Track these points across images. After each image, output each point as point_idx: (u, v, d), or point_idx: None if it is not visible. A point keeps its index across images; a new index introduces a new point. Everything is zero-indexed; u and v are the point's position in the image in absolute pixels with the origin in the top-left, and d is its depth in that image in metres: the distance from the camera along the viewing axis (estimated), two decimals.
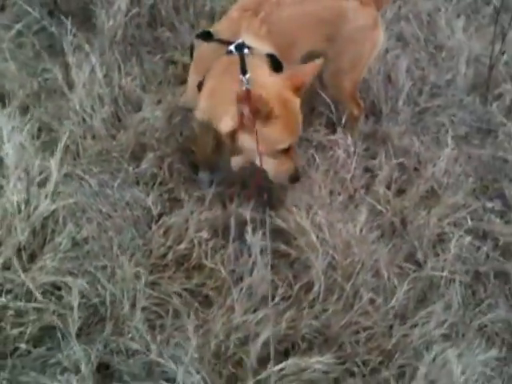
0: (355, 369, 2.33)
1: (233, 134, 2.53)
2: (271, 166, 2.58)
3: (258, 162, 2.55)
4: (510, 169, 3.16)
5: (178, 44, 3.60)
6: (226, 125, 2.52)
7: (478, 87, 3.61)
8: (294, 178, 2.64)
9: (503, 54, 3.62)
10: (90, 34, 3.46)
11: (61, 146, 2.67)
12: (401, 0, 4.08)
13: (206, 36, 2.69)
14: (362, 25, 2.92)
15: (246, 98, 2.38)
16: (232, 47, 2.58)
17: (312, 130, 3.08)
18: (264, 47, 2.66)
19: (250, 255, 2.58)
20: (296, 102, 2.51)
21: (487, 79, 3.52)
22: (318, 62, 2.59)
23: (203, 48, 2.71)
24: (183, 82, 3.37)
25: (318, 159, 2.88)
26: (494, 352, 2.34)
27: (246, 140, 2.51)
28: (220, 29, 2.74)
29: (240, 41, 2.59)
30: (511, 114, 3.41)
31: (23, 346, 2.22)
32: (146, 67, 3.43)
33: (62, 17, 3.29)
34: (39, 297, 2.30)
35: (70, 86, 3.11)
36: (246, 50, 2.57)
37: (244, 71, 2.47)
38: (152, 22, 3.75)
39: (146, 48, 3.61)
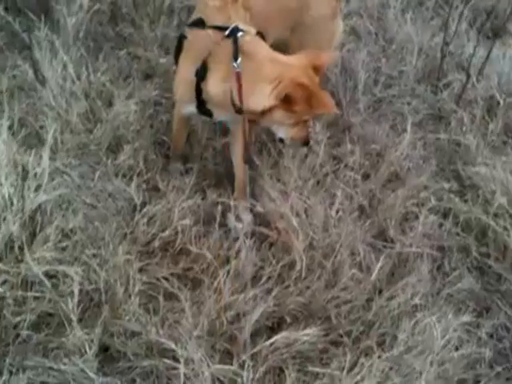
0: (339, 339, 2.47)
1: (266, 111, 2.60)
2: (292, 135, 2.71)
3: (281, 133, 2.72)
4: (464, 152, 3.33)
5: (141, 39, 3.66)
6: (261, 103, 2.57)
7: (428, 77, 3.79)
8: (306, 142, 2.79)
9: (447, 45, 3.75)
10: (52, 30, 3.43)
11: (48, 139, 2.68)
12: None
13: (201, 24, 2.69)
14: (322, 14, 3.02)
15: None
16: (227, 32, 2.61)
17: None
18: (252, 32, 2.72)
19: (234, 239, 2.73)
20: (317, 78, 2.62)
21: (438, 69, 3.70)
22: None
23: (196, 36, 2.70)
24: (148, 76, 3.50)
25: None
26: (465, 318, 2.52)
27: (281, 115, 2.60)
28: (206, 17, 2.71)
29: (234, 25, 2.62)
30: (461, 101, 3.58)
31: (24, 332, 2.28)
32: (111, 62, 3.46)
33: (27, 13, 3.33)
34: (36, 286, 2.35)
35: (41, 82, 3.14)
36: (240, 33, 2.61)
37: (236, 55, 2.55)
38: (113, 18, 3.80)
39: (109, 44, 3.65)
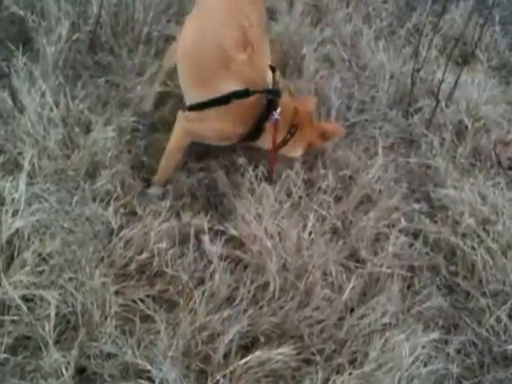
0: (312, 357, 2.53)
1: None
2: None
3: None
4: (434, 174, 3.42)
5: (119, 68, 3.71)
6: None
7: (399, 102, 3.89)
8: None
9: (418, 71, 3.82)
10: (31, 59, 3.46)
11: (25, 165, 2.74)
12: (325, 25, 4.33)
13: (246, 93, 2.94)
14: None
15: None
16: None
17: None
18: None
19: (209, 261, 2.79)
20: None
21: (407, 95, 3.81)
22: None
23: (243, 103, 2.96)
24: (126, 103, 3.55)
25: (265, 172, 3.10)
26: (434, 335, 2.60)
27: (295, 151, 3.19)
28: (236, 71, 2.94)
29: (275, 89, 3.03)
30: (431, 125, 3.69)
31: (1, 355, 2.29)
32: (90, 90, 3.50)
33: (6, 43, 3.37)
34: (13, 309, 2.37)
35: (20, 109, 3.17)
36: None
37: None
38: (92, 47, 3.82)
39: (88, 72, 3.68)
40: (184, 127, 3.11)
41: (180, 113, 3.12)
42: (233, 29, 2.95)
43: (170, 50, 3.50)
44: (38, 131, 3.08)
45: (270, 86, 3.01)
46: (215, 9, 3.06)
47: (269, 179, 3.14)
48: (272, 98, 2.98)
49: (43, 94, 3.18)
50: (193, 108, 3.05)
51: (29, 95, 3.17)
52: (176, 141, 3.13)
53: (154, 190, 3.18)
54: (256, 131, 3.04)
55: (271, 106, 2.98)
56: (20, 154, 2.98)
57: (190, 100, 3.10)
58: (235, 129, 3.03)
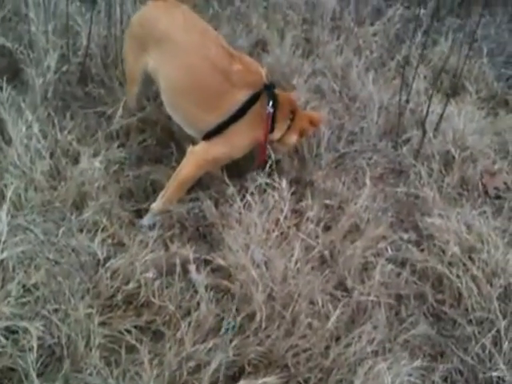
0: None
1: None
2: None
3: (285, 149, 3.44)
4: (422, 204, 3.48)
5: (110, 99, 3.77)
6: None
7: (389, 133, 3.96)
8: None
9: (408, 102, 3.99)
10: (20, 90, 3.57)
11: (7, 198, 2.77)
12: (316, 56, 4.44)
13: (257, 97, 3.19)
14: None
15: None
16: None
17: (249, 176, 3.35)
18: None
19: (195, 291, 2.81)
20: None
21: (396, 126, 3.88)
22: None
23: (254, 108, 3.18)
24: (116, 134, 3.60)
25: (252, 202, 3.10)
26: (418, 362, 2.63)
27: (291, 137, 3.35)
28: (236, 81, 3.15)
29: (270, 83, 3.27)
30: (419, 156, 3.76)
31: None
32: (79, 121, 3.57)
33: None
34: None
35: (7, 141, 3.23)
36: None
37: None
38: (82, 78, 3.91)
39: (78, 103, 3.76)
40: (203, 159, 3.19)
41: (191, 148, 3.20)
42: (214, 48, 3.15)
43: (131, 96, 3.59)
44: (25, 162, 3.13)
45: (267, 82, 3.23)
46: (186, 42, 3.19)
47: (260, 163, 3.31)
48: (272, 91, 3.19)
49: (30, 126, 3.24)
50: (210, 135, 3.17)
51: (16, 127, 3.23)
52: (192, 173, 3.21)
53: (147, 220, 3.23)
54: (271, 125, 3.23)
55: (273, 97, 3.18)
56: (6, 186, 3.01)
57: (200, 131, 3.22)
58: (257, 133, 3.21)
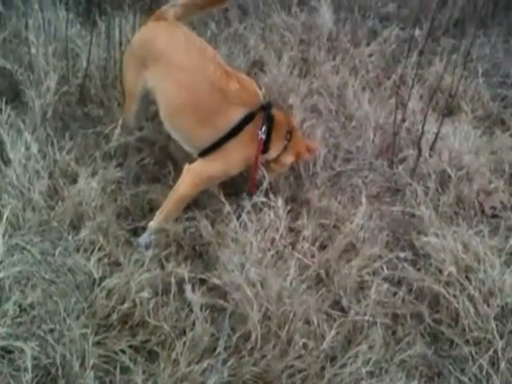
0: None
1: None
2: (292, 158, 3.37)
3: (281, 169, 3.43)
4: (418, 222, 3.41)
5: (108, 119, 3.74)
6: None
7: (385, 152, 3.91)
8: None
9: (404, 121, 3.95)
10: (20, 111, 3.54)
11: (3, 219, 2.75)
12: (313, 76, 4.42)
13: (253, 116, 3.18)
14: None
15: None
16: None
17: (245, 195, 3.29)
18: None
19: (191, 310, 2.76)
20: None
21: (392, 145, 3.83)
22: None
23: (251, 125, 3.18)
24: (114, 154, 3.56)
25: (248, 221, 3.05)
26: (414, 383, 2.59)
27: (287, 158, 3.34)
28: (232, 99, 3.15)
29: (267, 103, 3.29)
30: (415, 175, 3.70)
31: None
32: (78, 141, 3.55)
33: None
34: None
35: (6, 162, 3.20)
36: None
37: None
38: (81, 99, 3.89)
39: (77, 123, 3.74)
40: (199, 176, 3.19)
41: (187, 166, 3.20)
42: (212, 67, 3.17)
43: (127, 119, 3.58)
44: (23, 183, 3.09)
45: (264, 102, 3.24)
46: (185, 60, 3.22)
47: (250, 190, 3.27)
48: (269, 111, 3.20)
49: (29, 146, 3.21)
50: (206, 152, 3.18)
51: (15, 147, 3.20)
52: (188, 191, 3.20)
53: (143, 239, 3.20)
54: (266, 145, 3.22)
55: (269, 118, 3.19)
56: (3, 206, 2.97)
57: (196, 148, 3.24)
58: (252, 151, 3.19)
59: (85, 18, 4.35)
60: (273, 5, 4.88)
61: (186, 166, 3.19)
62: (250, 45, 4.58)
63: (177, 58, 3.21)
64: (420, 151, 3.71)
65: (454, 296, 2.92)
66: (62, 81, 3.81)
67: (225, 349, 2.65)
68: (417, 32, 4.34)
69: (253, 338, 2.66)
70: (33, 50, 3.79)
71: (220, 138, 3.14)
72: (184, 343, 2.60)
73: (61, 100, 3.77)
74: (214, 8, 3.90)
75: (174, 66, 3.21)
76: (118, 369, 2.52)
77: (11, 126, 3.32)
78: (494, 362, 2.77)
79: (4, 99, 3.35)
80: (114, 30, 3.92)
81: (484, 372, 2.74)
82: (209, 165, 3.19)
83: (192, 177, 3.18)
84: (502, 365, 2.73)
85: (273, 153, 3.29)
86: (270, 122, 3.18)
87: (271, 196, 3.17)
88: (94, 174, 3.29)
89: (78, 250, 2.95)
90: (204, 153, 3.20)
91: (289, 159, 3.34)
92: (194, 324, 2.70)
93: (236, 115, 3.13)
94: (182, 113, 3.22)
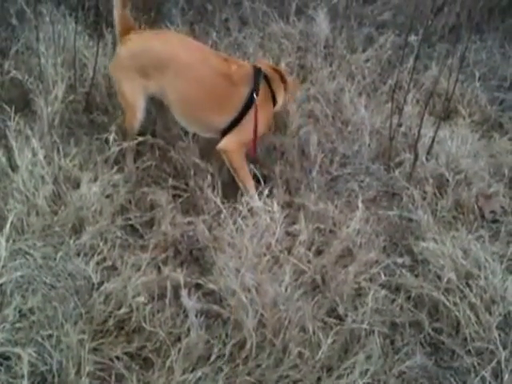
0: None
1: None
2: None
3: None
4: (416, 227, 3.17)
5: (113, 126, 3.49)
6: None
7: (381, 156, 3.70)
8: None
9: (400, 126, 3.76)
10: (29, 119, 3.42)
11: (8, 224, 2.62)
12: (309, 83, 4.22)
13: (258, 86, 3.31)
14: None
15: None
16: None
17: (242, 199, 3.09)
18: None
19: (186, 316, 2.55)
20: None
21: (388, 149, 3.62)
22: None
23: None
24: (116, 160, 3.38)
25: (244, 226, 2.85)
26: None
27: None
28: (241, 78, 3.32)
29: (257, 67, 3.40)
30: (412, 179, 3.46)
31: None
32: (83, 147, 3.40)
33: (4, 105, 3.26)
34: None
35: (13, 168, 3.05)
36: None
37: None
38: (87, 107, 3.77)
39: (82, 130, 3.62)
40: (235, 147, 3.29)
41: (220, 148, 3.29)
42: (213, 58, 3.32)
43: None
44: (29, 188, 2.95)
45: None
46: (189, 59, 3.28)
47: (251, 155, 3.33)
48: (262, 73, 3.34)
49: (36, 153, 3.07)
50: (228, 130, 3.29)
51: (22, 154, 3.07)
52: (239, 160, 3.30)
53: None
54: (274, 99, 3.41)
55: (265, 78, 3.35)
56: (9, 210, 2.82)
57: (217, 131, 3.33)
58: (269, 108, 3.38)
59: (92, 29, 4.25)
60: (271, 14, 4.76)
61: (218, 148, 3.28)
62: (249, 52, 4.46)
63: (181, 58, 3.25)
64: (416, 155, 3.48)
65: (455, 304, 2.66)
66: (69, 89, 3.73)
67: (219, 357, 2.44)
68: (412, 38, 4.10)
69: (248, 345, 2.45)
70: (43, 61, 3.68)
71: (237, 116, 3.27)
72: (179, 350, 2.41)
73: (67, 108, 3.67)
74: None
75: (180, 66, 3.23)
76: (113, 377, 2.36)
77: (20, 133, 3.20)
78: (497, 374, 2.50)
79: (14, 108, 3.23)
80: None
81: None
82: (237, 135, 3.29)
83: (231, 151, 3.28)
84: (506, 377, 2.46)
85: (280, 101, 3.45)
86: (266, 80, 3.35)
87: (267, 200, 3.00)
88: (96, 178, 3.14)
89: (78, 255, 2.80)
90: (225, 131, 3.30)
91: (287, 97, 3.53)
92: (189, 330, 2.51)
93: (243, 94, 3.26)
94: (199, 106, 3.28)
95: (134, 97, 3.33)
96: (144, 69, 3.24)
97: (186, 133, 3.46)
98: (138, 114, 3.36)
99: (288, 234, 3.01)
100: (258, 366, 2.40)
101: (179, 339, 2.48)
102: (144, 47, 3.31)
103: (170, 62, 3.22)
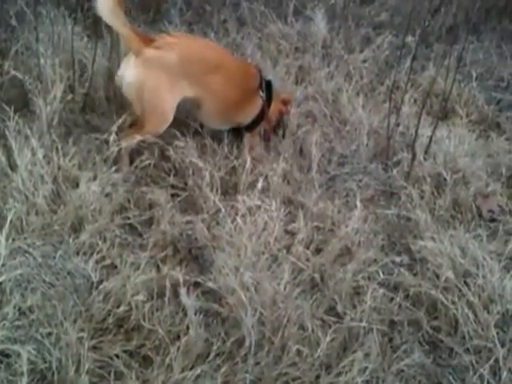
0: None
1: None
2: None
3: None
4: (414, 226, 3.17)
5: (110, 126, 3.47)
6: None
7: (379, 156, 3.71)
8: None
9: (398, 126, 3.77)
10: (28, 119, 3.40)
11: (7, 223, 2.63)
12: (307, 83, 4.25)
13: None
14: None
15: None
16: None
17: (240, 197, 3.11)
18: None
19: (185, 314, 2.54)
20: None
21: (386, 149, 3.63)
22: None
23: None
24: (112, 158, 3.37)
25: (243, 225, 2.86)
26: None
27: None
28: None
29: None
30: (410, 178, 3.48)
31: None
32: (82, 147, 3.40)
33: (4, 105, 3.26)
34: None
35: (13, 167, 3.05)
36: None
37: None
38: (85, 106, 3.78)
39: (80, 130, 3.61)
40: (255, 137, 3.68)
41: (247, 140, 3.66)
42: (233, 60, 3.65)
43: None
44: (28, 187, 2.95)
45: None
46: (232, 66, 3.54)
47: (266, 138, 3.69)
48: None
49: (35, 152, 3.07)
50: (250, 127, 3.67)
51: (22, 153, 3.06)
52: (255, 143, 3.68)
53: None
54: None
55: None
56: (8, 209, 2.81)
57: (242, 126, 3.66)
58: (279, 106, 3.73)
59: (92, 30, 4.22)
60: (269, 15, 4.78)
61: (246, 140, 3.66)
62: (247, 53, 4.47)
63: (228, 64, 3.49)
64: (414, 154, 3.50)
65: (453, 302, 2.66)
66: (68, 90, 3.73)
67: (218, 355, 2.44)
68: (409, 38, 4.15)
69: (247, 343, 2.44)
70: (42, 61, 3.69)
71: (254, 117, 3.63)
72: (178, 348, 2.40)
73: (66, 108, 3.67)
74: None
75: (225, 72, 3.42)
76: (112, 374, 2.35)
77: (19, 132, 3.20)
78: (495, 372, 2.50)
79: (13, 108, 3.24)
80: (118, 42, 3.81)
81: (485, 382, 2.46)
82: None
83: (252, 140, 3.67)
84: (504, 374, 2.46)
85: None
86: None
87: (266, 199, 3.03)
88: (95, 177, 3.14)
89: (77, 253, 2.80)
90: (248, 128, 3.67)
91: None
92: (188, 328, 2.50)
93: (259, 93, 3.60)
94: (231, 106, 3.52)
95: (173, 102, 3.34)
96: (191, 74, 3.32)
97: (184, 132, 3.46)
98: (170, 117, 3.37)
99: (287, 232, 3.02)
100: (257, 363, 2.40)
101: (178, 337, 2.47)
102: (196, 53, 3.41)
103: (218, 67, 3.40)
